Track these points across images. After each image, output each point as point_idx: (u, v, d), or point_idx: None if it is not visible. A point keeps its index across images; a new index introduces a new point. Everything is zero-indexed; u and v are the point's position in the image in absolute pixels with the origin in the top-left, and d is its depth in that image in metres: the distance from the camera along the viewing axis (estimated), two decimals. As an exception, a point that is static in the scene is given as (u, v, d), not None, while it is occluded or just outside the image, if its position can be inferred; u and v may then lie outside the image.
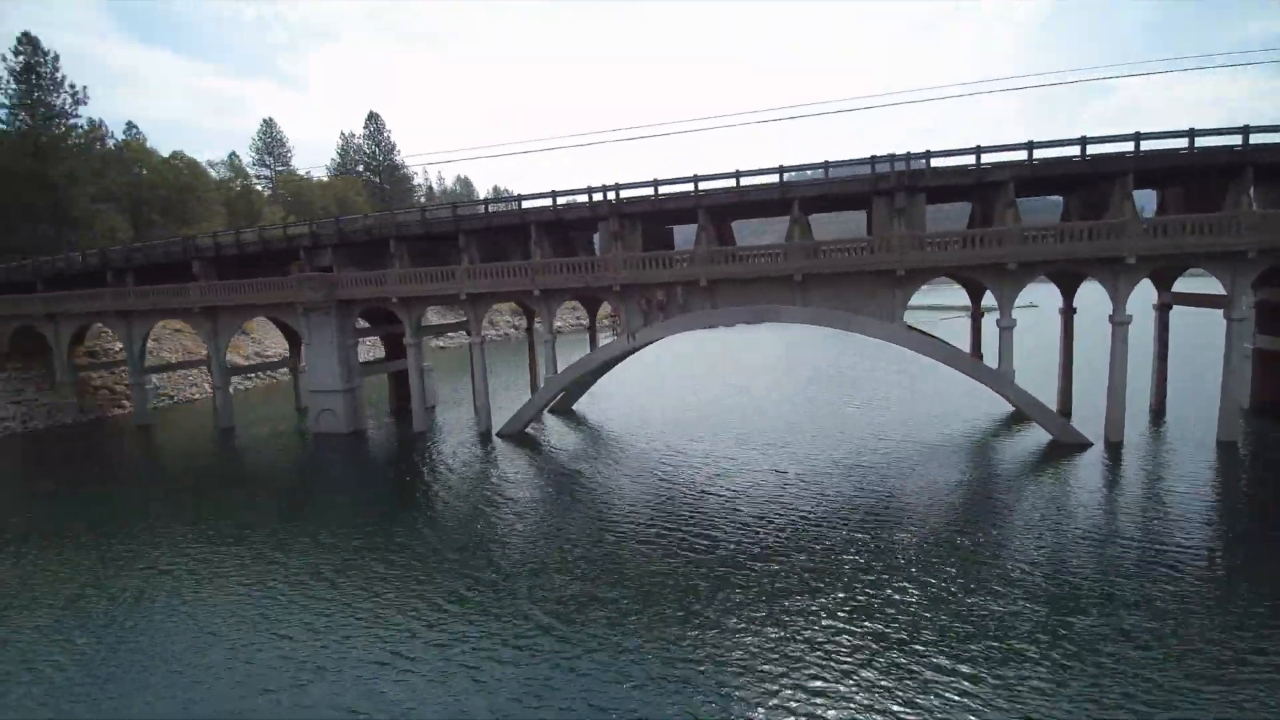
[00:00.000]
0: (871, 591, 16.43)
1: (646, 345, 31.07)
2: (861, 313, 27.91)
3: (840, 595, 16.30)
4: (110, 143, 74.13)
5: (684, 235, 36.36)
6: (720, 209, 29.54)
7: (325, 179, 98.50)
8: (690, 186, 28.63)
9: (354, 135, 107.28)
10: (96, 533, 22.96)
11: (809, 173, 27.88)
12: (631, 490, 24.89)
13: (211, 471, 31.73)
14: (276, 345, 58.36)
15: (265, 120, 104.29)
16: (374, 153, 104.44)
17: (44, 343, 46.44)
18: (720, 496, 23.67)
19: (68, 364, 46.40)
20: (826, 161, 27.14)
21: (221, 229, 40.79)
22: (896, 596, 16.14)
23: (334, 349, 35.35)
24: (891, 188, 27.11)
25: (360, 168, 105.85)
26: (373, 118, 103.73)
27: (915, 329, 28.54)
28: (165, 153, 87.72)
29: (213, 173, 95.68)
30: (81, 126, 65.61)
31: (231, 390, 54.00)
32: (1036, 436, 28.43)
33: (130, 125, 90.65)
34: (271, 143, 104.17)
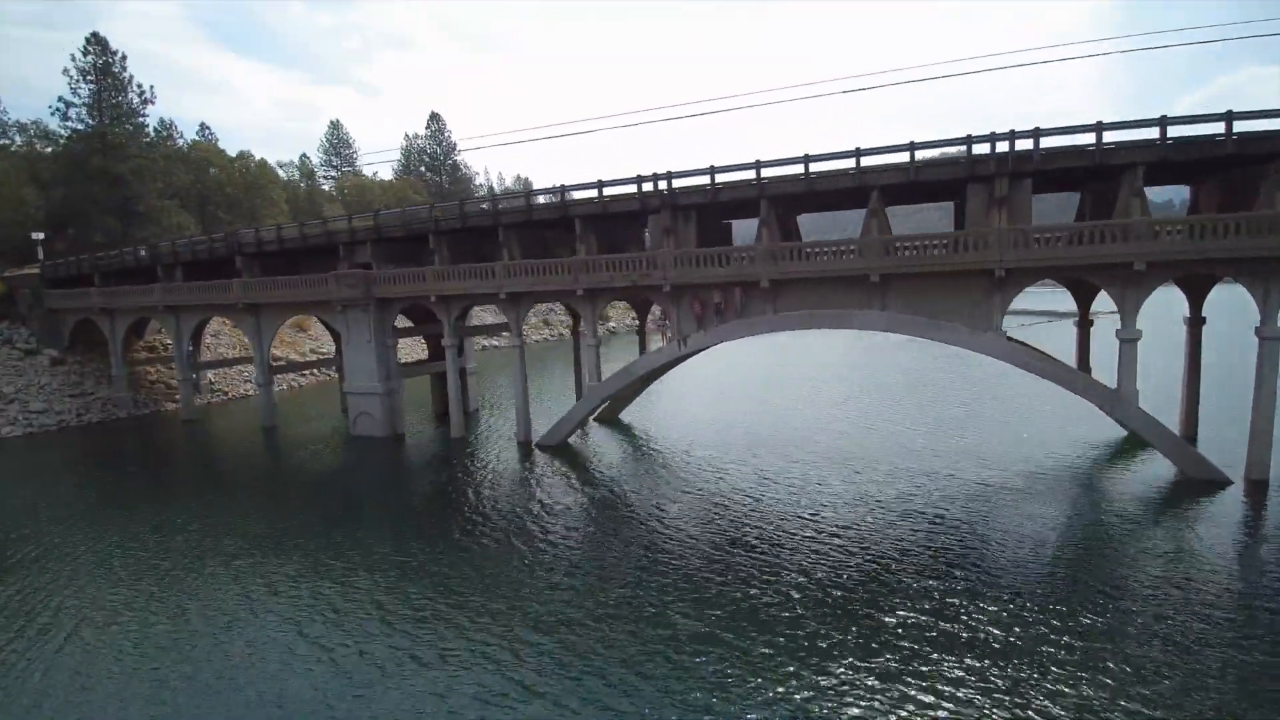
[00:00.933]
0: (950, 666, 12.52)
1: (699, 353, 27.48)
2: (951, 319, 23.68)
3: (915, 673, 12.45)
4: (180, 142, 75.04)
5: (743, 232, 32.74)
6: (786, 199, 25.71)
7: (392, 179, 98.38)
8: (751, 174, 24.90)
9: (417, 136, 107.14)
10: (101, 541, 20.95)
11: (891, 157, 23.77)
12: (676, 518, 21.42)
13: (242, 472, 29.85)
14: (332, 343, 57.32)
15: (332, 122, 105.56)
16: (435, 152, 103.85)
17: (104, 336, 46.12)
18: (774, 529, 19.98)
19: (122, 358, 45.94)
20: (912, 143, 22.97)
21: (264, 225, 38.98)
22: (978, 679, 12.21)
23: (371, 349, 33.02)
24: (992, 173, 22.79)
25: (423, 168, 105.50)
26: (434, 118, 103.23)
27: (1014, 340, 24.13)
28: (245, 154, 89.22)
29: (281, 173, 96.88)
30: (149, 125, 66.28)
31: (287, 387, 53.52)
32: (1154, 471, 23.62)
33: (203, 126, 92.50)
34: (338, 143, 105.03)
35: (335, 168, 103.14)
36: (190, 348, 49.64)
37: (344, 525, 22.07)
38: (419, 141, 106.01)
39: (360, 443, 33.29)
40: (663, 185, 26.23)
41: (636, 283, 26.66)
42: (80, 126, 62.43)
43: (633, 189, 26.82)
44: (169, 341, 50.07)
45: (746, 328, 25.80)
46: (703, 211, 27.19)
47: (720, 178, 25.34)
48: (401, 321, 52.94)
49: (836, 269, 24.07)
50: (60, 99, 61.43)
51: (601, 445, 30.58)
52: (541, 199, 28.61)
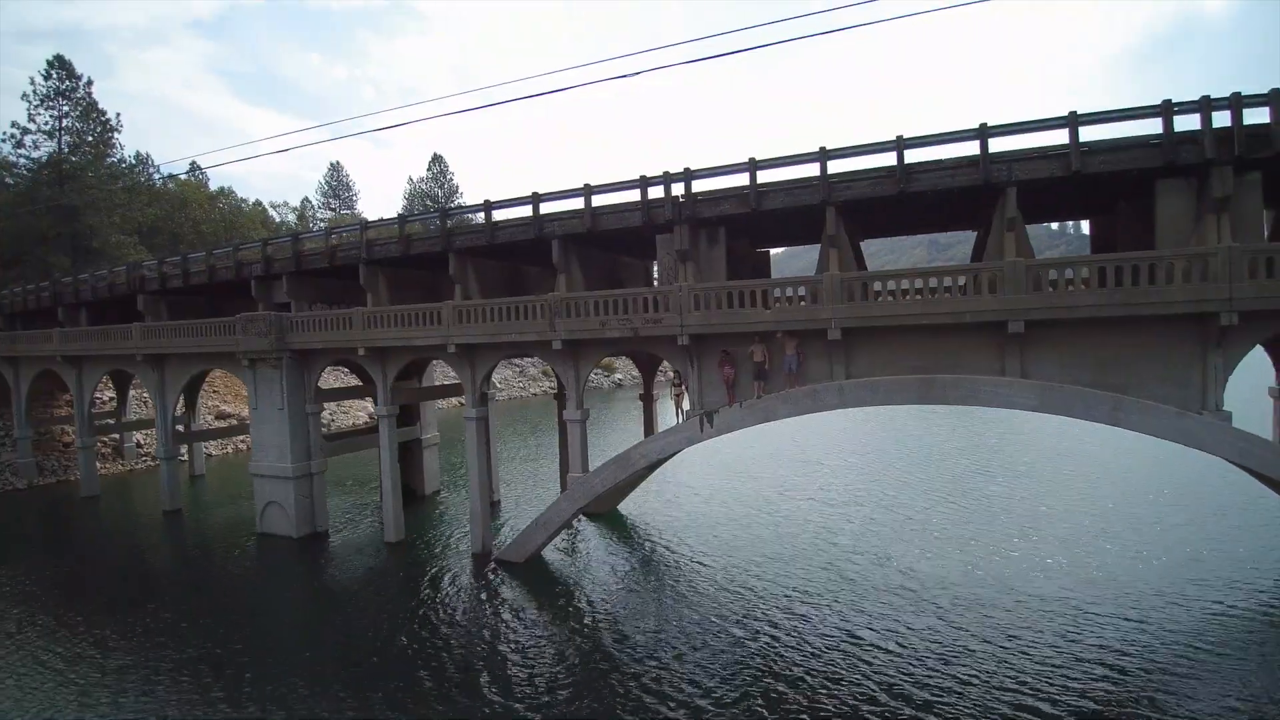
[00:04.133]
0: None
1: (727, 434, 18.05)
2: (1137, 393, 14.39)
3: None
4: (156, 177, 67.84)
5: (786, 264, 23.78)
6: (867, 209, 16.65)
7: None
8: (813, 168, 15.95)
9: (421, 180, 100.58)
10: None
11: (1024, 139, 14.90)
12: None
13: (104, 587, 20.31)
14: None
15: (332, 164, 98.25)
16: (438, 194, 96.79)
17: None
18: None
19: (27, 416, 37.21)
20: (1085, 115, 13.99)
21: (170, 257, 30.47)
22: None
23: (283, 418, 23.94)
24: (1206, 159, 13.73)
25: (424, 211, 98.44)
26: (437, 159, 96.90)
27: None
28: (225, 191, 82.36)
29: (274, 214, 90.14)
30: (117, 155, 59.11)
31: (233, 449, 44.23)
32: None
33: (193, 165, 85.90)
34: (338, 185, 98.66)
35: (333, 210, 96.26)
36: (117, 402, 41.21)
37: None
38: (422, 185, 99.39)
39: (266, 544, 23.91)
40: (678, 190, 17.32)
41: (639, 331, 17.54)
42: (36, 155, 55.49)
43: (635, 195, 17.90)
44: (99, 395, 41.53)
45: (805, 401, 16.43)
46: (735, 228, 18.21)
47: (766, 175, 16.38)
48: (344, 377, 43.99)
49: (947, 311, 14.89)
50: (14, 124, 54.60)
51: (587, 562, 20.92)
52: (508, 214, 19.75)
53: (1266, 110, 13.56)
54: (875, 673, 13.81)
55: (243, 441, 44.64)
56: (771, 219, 17.56)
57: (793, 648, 14.94)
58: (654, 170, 17.59)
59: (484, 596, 18.45)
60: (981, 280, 14.56)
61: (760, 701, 12.91)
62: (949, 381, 15.20)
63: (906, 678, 13.57)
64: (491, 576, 19.70)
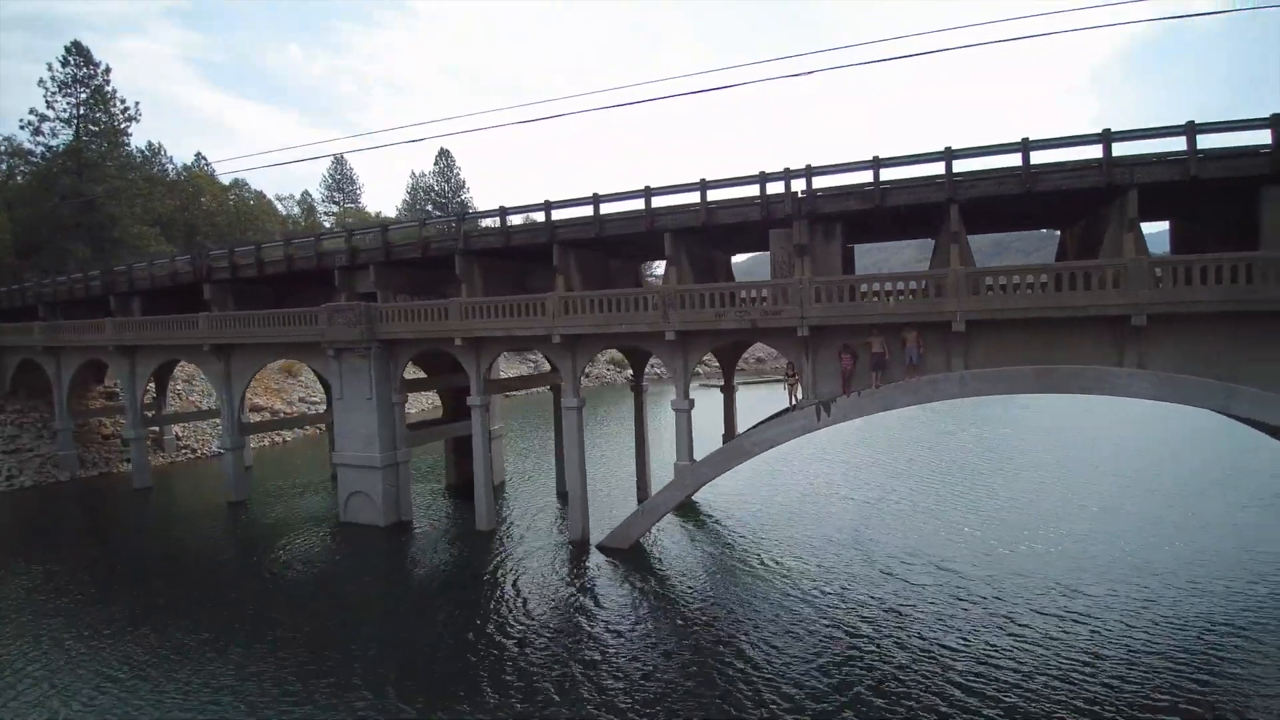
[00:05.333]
0: None
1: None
2: (1243, 382, 15.38)
3: None
4: (169, 168, 67.19)
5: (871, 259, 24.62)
6: (993, 205, 17.49)
7: (397, 216, 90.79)
8: (937, 167, 16.78)
9: (423, 174, 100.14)
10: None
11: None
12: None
13: (172, 586, 20.47)
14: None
15: (335, 157, 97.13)
16: (443, 189, 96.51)
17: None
18: None
19: (69, 407, 36.92)
20: (1202, 124, 14.96)
21: (241, 244, 30.62)
22: None
23: (372, 408, 24.27)
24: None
25: (429, 206, 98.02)
26: (443, 154, 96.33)
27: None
28: (239, 183, 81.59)
29: (280, 207, 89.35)
30: (132, 145, 58.55)
31: (269, 442, 44.20)
32: None
33: (199, 155, 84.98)
34: (341, 180, 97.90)
35: (337, 204, 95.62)
36: (154, 395, 40.97)
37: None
38: (425, 179, 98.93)
39: (351, 534, 24.23)
40: (798, 186, 18.06)
41: (757, 323, 18.24)
42: (54, 143, 54.72)
43: (752, 191, 18.60)
44: (130, 388, 41.26)
45: (925, 390, 17.29)
46: (852, 225, 19.00)
47: (890, 172, 17.19)
48: (409, 371, 44.32)
49: (1072, 305, 15.78)
50: (32, 111, 53.72)
51: (684, 550, 21.63)
52: (615, 207, 20.39)
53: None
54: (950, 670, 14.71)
55: (278, 435, 44.76)
56: (884, 216, 18.35)
57: (893, 651, 15.80)
58: (651, 167, 18.28)
59: (599, 582, 19.02)
60: (1106, 276, 15.46)
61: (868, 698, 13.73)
62: (1070, 372, 16.11)
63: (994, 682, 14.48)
64: (600, 564, 20.29)
